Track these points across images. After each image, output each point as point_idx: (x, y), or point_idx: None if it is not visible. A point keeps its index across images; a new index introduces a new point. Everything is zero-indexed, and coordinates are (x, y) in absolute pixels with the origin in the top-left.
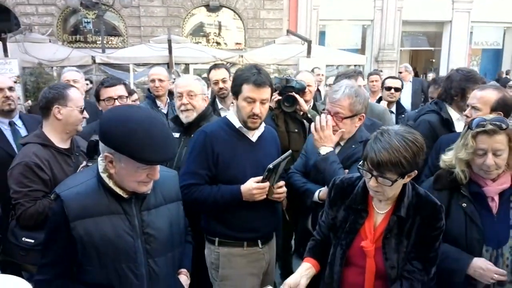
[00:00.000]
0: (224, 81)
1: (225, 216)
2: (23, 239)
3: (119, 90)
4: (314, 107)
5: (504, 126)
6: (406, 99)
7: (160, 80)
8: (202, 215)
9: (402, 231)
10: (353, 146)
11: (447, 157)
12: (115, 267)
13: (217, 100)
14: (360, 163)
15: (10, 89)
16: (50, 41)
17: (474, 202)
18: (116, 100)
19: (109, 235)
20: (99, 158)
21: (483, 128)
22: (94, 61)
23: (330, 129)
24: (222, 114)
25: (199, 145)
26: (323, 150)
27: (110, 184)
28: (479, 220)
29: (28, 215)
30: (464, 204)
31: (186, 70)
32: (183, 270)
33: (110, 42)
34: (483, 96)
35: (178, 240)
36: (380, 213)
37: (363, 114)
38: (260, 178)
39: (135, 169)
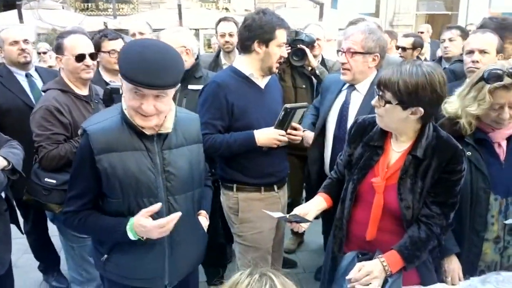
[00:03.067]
0: (231, 35)
1: (241, 164)
2: (45, 179)
3: (120, 43)
4: (323, 63)
5: None
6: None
7: (141, 33)
8: (218, 164)
9: (417, 171)
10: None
11: (451, 108)
12: (136, 200)
13: (221, 55)
14: None
15: (25, 41)
16: (63, 8)
17: (479, 150)
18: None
19: (132, 169)
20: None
21: (502, 83)
22: (106, 27)
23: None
24: None
25: (212, 95)
26: None
27: (132, 120)
28: (485, 167)
29: (50, 157)
30: (468, 153)
31: (196, 36)
32: (203, 212)
33: (121, 10)
34: (489, 40)
35: (198, 181)
36: (396, 151)
37: (377, 55)
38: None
39: (129, 91)
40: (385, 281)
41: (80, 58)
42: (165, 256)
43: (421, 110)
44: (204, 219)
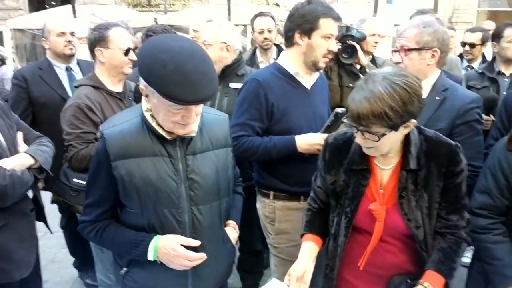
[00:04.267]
0: (269, 31)
1: (280, 170)
2: (74, 180)
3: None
4: (373, 61)
5: None
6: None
7: (194, 31)
8: (254, 168)
9: (418, 185)
10: (437, 98)
11: None
12: (156, 211)
13: (257, 52)
14: (347, 115)
15: (72, 33)
16: (115, 3)
17: None
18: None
19: (151, 177)
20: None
21: None
22: (156, 23)
23: None
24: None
25: (252, 94)
26: None
27: (153, 124)
28: None
29: (80, 157)
30: None
31: (244, 32)
32: (231, 222)
33: (172, 6)
34: None
35: (226, 189)
36: (385, 169)
37: (436, 50)
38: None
39: (166, 108)
40: None
41: (127, 52)
42: (188, 274)
43: (414, 121)
44: (232, 231)
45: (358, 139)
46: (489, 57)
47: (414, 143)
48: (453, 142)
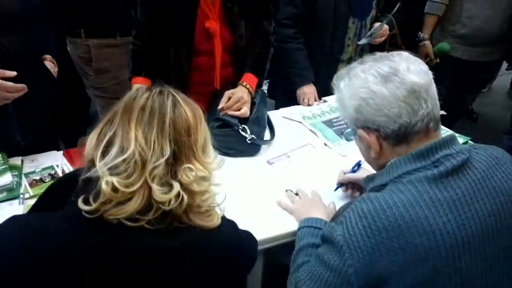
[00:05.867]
0: None
1: (92, 3)
2: None
3: None
4: None
5: None
6: None
7: None
8: (58, 6)
9: None
10: None
11: None
12: None
13: None
14: None
15: None
16: None
17: None
18: None
19: None
20: None
21: None
22: None
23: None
24: None
25: None
26: None
27: None
28: None
29: None
30: None
31: None
32: (48, 56)
33: None
34: None
35: (34, 15)
36: None
37: None
38: None
39: None
40: (253, 104)
41: None
42: (9, 108)
43: None
44: (51, 64)
45: None
46: None
47: None
48: None
